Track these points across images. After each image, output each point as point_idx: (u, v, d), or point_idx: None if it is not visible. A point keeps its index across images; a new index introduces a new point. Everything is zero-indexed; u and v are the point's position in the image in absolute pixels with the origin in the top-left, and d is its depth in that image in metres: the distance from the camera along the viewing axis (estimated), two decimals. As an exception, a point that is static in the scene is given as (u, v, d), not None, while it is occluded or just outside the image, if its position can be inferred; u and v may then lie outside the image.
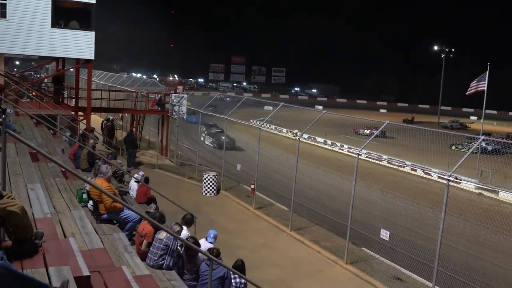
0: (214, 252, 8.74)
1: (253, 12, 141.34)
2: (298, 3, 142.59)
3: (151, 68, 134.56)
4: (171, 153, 28.52)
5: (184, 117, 28.26)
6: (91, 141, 15.16)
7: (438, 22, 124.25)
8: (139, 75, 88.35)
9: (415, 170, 24.46)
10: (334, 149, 31.16)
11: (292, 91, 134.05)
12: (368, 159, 20.34)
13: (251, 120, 29.04)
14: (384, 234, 13.60)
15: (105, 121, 27.87)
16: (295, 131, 20.93)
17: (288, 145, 25.93)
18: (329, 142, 32.51)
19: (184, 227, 9.49)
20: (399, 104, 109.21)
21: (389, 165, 24.48)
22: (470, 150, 12.31)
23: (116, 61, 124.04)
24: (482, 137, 14.73)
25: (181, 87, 28.84)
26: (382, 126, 15.33)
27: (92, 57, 22.40)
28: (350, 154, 21.16)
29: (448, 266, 12.92)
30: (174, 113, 27.83)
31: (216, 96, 29.88)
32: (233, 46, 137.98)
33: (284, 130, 31.34)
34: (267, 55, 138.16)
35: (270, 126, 31.51)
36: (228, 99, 56.39)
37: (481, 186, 19.73)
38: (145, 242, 8.07)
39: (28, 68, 53.36)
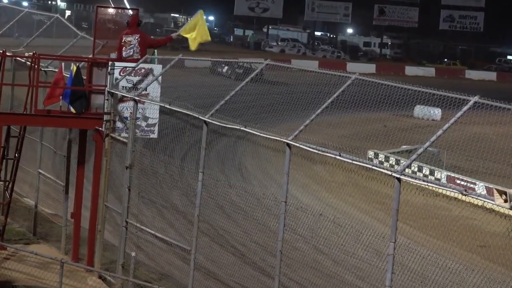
0: None
1: None
2: None
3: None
4: (109, 253, 12.41)
5: (152, 135, 12.57)
6: None
7: None
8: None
9: None
10: None
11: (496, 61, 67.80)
12: None
13: (369, 153, 17.67)
14: None
15: None
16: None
17: (495, 236, 11.63)
18: None
19: None
20: None
21: None
22: None
23: None
24: None
25: (134, 36, 12.61)
26: None
27: None
28: None
29: None
30: (122, 123, 12.83)
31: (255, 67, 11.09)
32: None
33: (481, 186, 17.85)
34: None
35: (429, 172, 17.78)
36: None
37: None
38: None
39: None
